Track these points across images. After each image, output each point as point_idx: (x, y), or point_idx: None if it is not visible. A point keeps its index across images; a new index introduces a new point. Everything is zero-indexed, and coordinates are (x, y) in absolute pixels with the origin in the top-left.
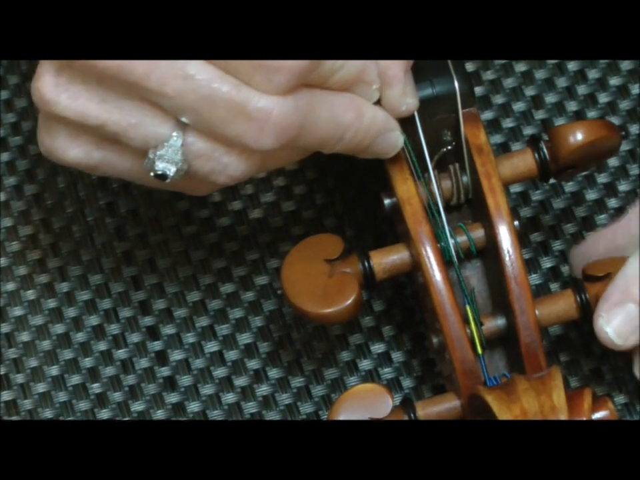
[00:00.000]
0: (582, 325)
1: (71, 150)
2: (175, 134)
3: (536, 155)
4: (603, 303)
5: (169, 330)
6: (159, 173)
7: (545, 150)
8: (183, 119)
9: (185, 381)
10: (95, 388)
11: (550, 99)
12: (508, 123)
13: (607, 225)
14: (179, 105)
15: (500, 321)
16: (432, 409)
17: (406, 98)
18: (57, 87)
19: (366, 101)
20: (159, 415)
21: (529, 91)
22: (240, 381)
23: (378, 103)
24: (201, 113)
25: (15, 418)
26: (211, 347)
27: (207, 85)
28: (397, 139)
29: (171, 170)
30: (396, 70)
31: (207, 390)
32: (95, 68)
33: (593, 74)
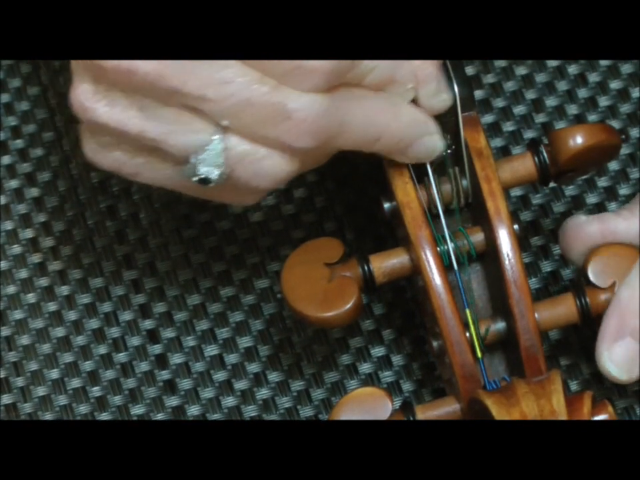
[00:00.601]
0: (582, 328)
1: (112, 155)
2: (215, 137)
3: (536, 159)
4: (602, 340)
5: (169, 333)
6: (202, 177)
7: (545, 153)
8: (223, 123)
9: (185, 384)
10: (95, 391)
11: (550, 102)
12: (508, 127)
13: (605, 216)
14: (219, 109)
15: (500, 325)
16: (432, 412)
17: (441, 94)
18: (94, 95)
19: (403, 102)
20: (159, 418)
21: (530, 95)
22: (240, 385)
23: (414, 102)
24: (241, 115)
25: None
26: (211, 350)
27: (246, 87)
28: (435, 142)
29: (214, 173)
30: (429, 67)
31: (207, 393)
32: (134, 75)
33: (593, 77)
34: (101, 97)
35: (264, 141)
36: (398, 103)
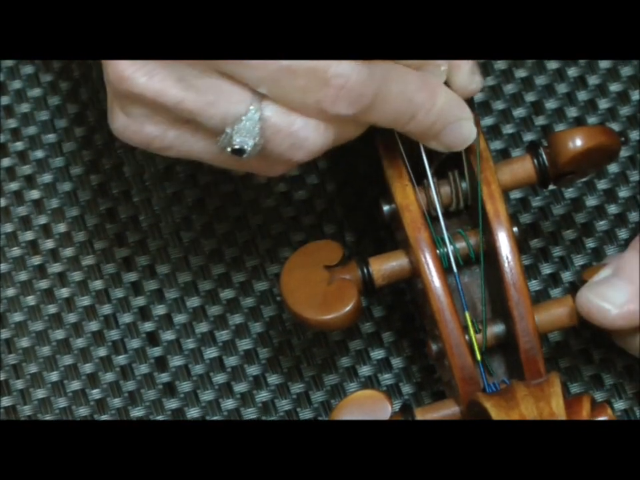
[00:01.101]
0: (581, 331)
1: (144, 129)
2: (252, 108)
3: (535, 161)
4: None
5: (168, 336)
6: (237, 147)
7: (544, 156)
8: (262, 90)
9: (185, 386)
10: (95, 394)
11: (550, 105)
12: (508, 129)
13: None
14: (260, 75)
15: (499, 327)
16: (431, 415)
17: (474, 76)
18: (133, 65)
19: (440, 84)
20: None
21: (529, 97)
22: (240, 387)
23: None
24: (281, 82)
25: None
26: (211, 352)
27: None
28: (470, 130)
29: (249, 144)
30: None
31: (207, 396)
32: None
33: (593, 80)
34: (139, 67)
35: (301, 109)
36: (435, 83)
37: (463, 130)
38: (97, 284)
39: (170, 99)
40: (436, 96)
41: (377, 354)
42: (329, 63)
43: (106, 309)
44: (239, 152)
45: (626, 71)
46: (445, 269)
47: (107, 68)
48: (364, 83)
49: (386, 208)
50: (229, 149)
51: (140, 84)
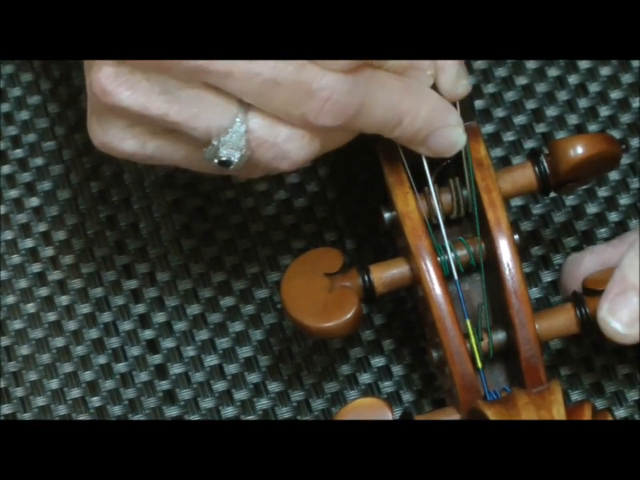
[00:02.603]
0: (582, 339)
1: (126, 141)
2: (237, 119)
3: (536, 169)
4: (604, 297)
5: (168, 343)
6: (224, 159)
7: (545, 164)
8: (247, 100)
9: (185, 394)
10: (95, 401)
11: (551, 112)
12: (509, 137)
13: (596, 247)
14: (244, 87)
15: (500, 335)
16: None
17: (460, 80)
18: (117, 78)
19: (426, 89)
20: None
21: (530, 104)
22: (240, 395)
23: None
24: (266, 94)
25: None
26: (211, 360)
27: (273, 65)
28: (457, 136)
29: (235, 156)
30: None
31: (207, 404)
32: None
33: (593, 87)
34: (123, 81)
35: (287, 121)
36: (421, 89)
37: (451, 136)
38: (97, 291)
39: (155, 111)
40: (422, 102)
41: (378, 361)
42: (314, 75)
43: (106, 317)
44: (226, 163)
45: (627, 78)
46: (445, 277)
47: (90, 81)
48: (349, 94)
49: (387, 215)
50: (215, 161)
51: (124, 98)
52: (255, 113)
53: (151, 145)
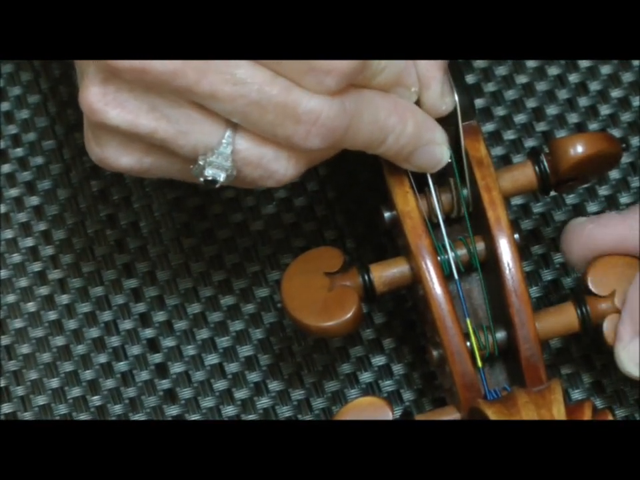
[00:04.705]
0: (583, 337)
1: (122, 158)
2: (224, 141)
3: (536, 168)
4: (619, 341)
5: (169, 342)
6: (209, 179)
7: (545, 162)
8: (234, 120)
9: (185, 393)
10: (95, 400)
11: (551, 111)
12: (509, 135)
13: (602, 217)
14: (230, 108)
15: (500, 334)
16: None
17: (445, 98)
18: (104, 97)
19: (411, 106)
20: None
21: (530, 103)
22: (240, 394)
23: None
24: (251, 116)
25: None
26: (211, 359)
27: (258, 89)
28: (441, 153)
29: (221, 176)
30: (434, 71)
31: (207, 402)
32: (148, 74)
33: (594, 86)
34: (110, 99)
35: (273, 141)
36: (406, 106)
37: (435, 153)
38: (98, 290)
39: (142, 129)
40: (407, 119)
41: (378, 360)
42: (299, 98)
43: (106, 316)
44: (212, 182)
45: (627, 76)
46: (446, 276)
47: (80, 99)
48: (336, 117)
49: (387, 215)
50: (201, 179)
51: (112, 116)
52: (242, 133)
53: (147, 161)
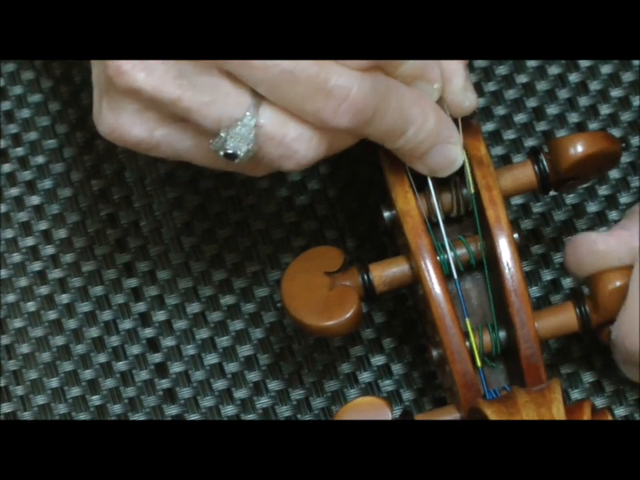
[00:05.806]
0: (582, 337)
1: (135, 127)
2: (249, 113)
3: (536, 167)
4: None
5: (169, 342)
6: (230, 152)
7: (545, 162)
8: (260, 91)
9: (185, 393)
10: (95, 400)
11: (551, 110)
12: (509, 135)
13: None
14: (261, 77)
15: (500, 334)
16: None
17: (467, 92)
18: (132, 59)
19: (433, 103)
20: None
21: (530, 103)
22: (240, 393)
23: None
24: (282, 86)
25: None
26: (211, 359)
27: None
28: (456, 154)
29: (242, 149)
30: (456, 65)
31: (207, 402)
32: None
33: (594, 85)
34: (138, 62)
35: (298, 118)
36: (428, 101)
37: (450, 153)
38: (98, 290)
39: (167, 95)
40: (428, 114)
41: (378, 360)
42: (332, 72)
43: (106, 315)
44: (232, 156)
45: (627, 76)
46: (445, 275)
47: (106, 63)
48: (366, 96)
49: (387, 214)
50: (221, 153)
51: (139, 79)
52: (267, 107)
53: (158, 133)
